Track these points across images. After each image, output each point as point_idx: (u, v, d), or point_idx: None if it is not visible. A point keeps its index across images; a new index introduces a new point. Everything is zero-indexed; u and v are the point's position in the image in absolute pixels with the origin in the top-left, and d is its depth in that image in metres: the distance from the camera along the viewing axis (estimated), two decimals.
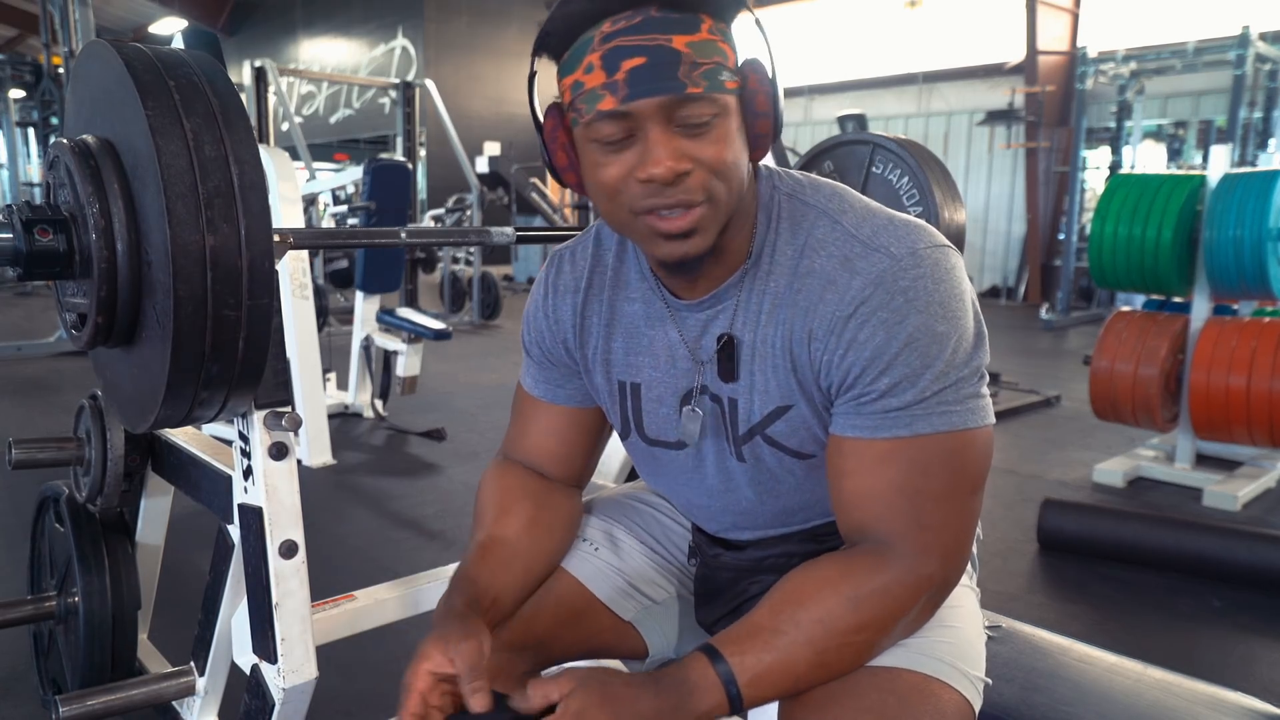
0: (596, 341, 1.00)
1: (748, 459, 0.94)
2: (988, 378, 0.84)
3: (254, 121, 5.00)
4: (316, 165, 6.66)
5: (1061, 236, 9.66)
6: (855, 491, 0.84)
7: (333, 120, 17.05)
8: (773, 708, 0.88)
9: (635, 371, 0.97)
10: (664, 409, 0.96)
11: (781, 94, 0.83)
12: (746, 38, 0.84)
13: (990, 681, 0.94)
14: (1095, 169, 10.43)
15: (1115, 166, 8.77)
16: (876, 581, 0.80)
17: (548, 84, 0.91)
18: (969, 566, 1.03)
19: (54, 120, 8.28)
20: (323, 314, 4.74)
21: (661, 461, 1.01)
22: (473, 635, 0.81)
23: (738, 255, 0.88)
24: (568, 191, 13.34)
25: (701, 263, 0.86)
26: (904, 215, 0.86)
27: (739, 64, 0.81)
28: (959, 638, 0.89)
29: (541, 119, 0.86)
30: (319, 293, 4.72)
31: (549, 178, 14.12)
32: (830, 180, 0.92)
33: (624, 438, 1.03)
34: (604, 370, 1.00)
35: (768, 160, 0.96)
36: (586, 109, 0.78)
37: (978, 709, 0.87)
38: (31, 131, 10.21)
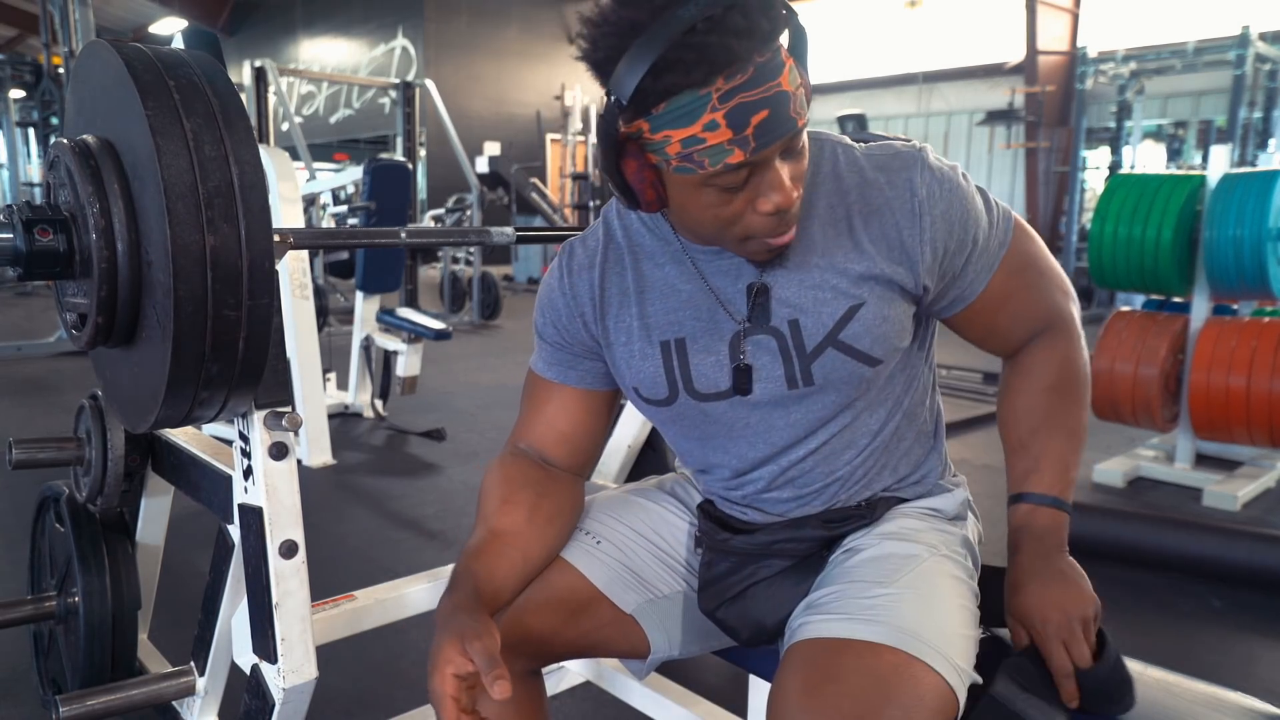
0: (622, 312, 1.02)
1: (817, 378, 0.96)
2: None
3: (254, 121, 5.00)
4: (316, 165, 6.66)
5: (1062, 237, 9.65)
6: (1005, 326, 1.03)
7: (333, 120, 17.05)
8: (762, 701, 0.90)
9: (678, 327, 1.00)
10: (712, 357, 0.99)
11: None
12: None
13: (981, 680, 0.94)
14: (1095, 169, 10.43)
15: (1115, 166, 8.77)
16: (1062, 338, 1.03)
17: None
18: (966, 563, 1.03)
19: (54, 120, 8.28)
20: (323, 314, 4.74)
21: (712, 417, 1.02)
22: (485, 630, 0.84)
23: None
24: (568, 191, 13.35)
25: None
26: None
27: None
28: (944, 624, 0.90)
29: (624, 169, 0.86)
30: (319, 293, 4.72)
31: (548, 178, 14.14)
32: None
33: (670, 403, 1.02)
34: (644, 335, 1.01)
35: None
36: (711, 161, 0.81)
37: (963, 701, 0.87)
38: (31, 131, 10.21)
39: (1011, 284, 1.01)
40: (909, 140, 0.99)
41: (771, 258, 0.93)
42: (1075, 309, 1.06)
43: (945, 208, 0.94)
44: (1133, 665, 1.07)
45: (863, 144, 0.99)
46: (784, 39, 0.83)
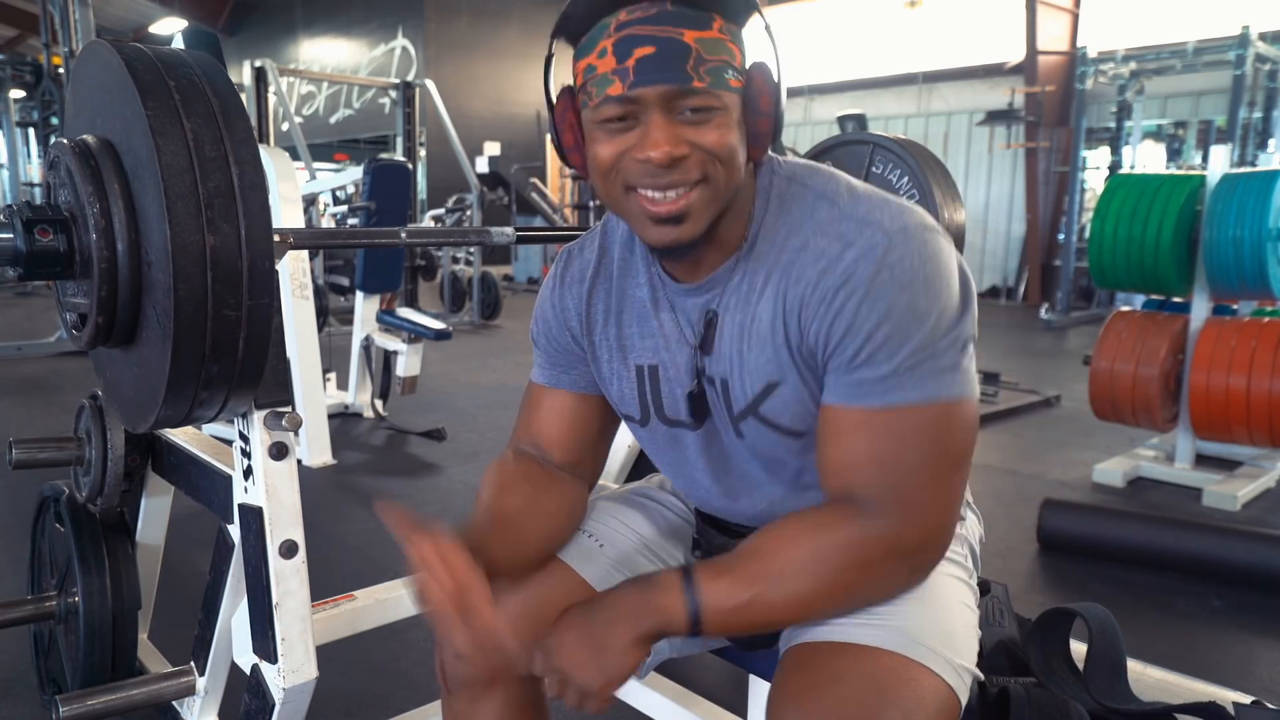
0: (605, 328, 1.02)
1: (747, 437, 0.95)
2: (971, 352, 0.85)
3: (254, 121, 5.00)
4: (316, 165, 6.66)
5: (1061, 237, 9.66)
6: (834, 458, 0.86)
7: (333, 120, 17.04)
8: (762, 701, 0.89)
9: (652, 354, 0.99)
10: (679, 389, 0.98)
11: (784, 97, 0.86)
12: (756, 40, 0.88)
13: (983, 677, 0.94)
14: (1095, 169, 10.43)
15: (1115, 166, 8.77)
16: (842, 532, 0.84)
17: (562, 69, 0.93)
18: (967, 563, 1.03)
19: (54, 120, 8.27)
20: (323, 314, 4.74)
21: (683, 443, 1.02)
22: (453, 542, 0.84)
23: (733, 242, 0.91)
24: (568, 191, 13.36)
25: (693, 249, 0.88)
26: (898, 198, 0.88)
27: (745, 65, 0.84)
28: (945, 625, 0.89)
29: (555, 100, 0.89)
30: (319, 293, 4.72)
31: (548, 178, 14.14)
32: (827, 166, 0.94)
33: (643, 424, 1.03)
34: (620, 355, 1.01)
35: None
36: (596, 92, 0.82)
37: (964, 700, 0.87)
38: (31, 131, 10.21)
39: (865, 436, 0.83)
40: (925, 220, 0.85)
41: (665, 241, 0.86)
42: (917, 557, 0.86)
43: (853, 305, 0.82)
44: (1133, 665, 1.07)
45: (867, 202, 0.86)
46: (741, 27, 0.85)
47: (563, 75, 0.91)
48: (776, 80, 0.85)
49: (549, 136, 0.93)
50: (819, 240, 0.86)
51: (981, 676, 0.94)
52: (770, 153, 0.95)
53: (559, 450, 1.08)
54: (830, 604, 0.85)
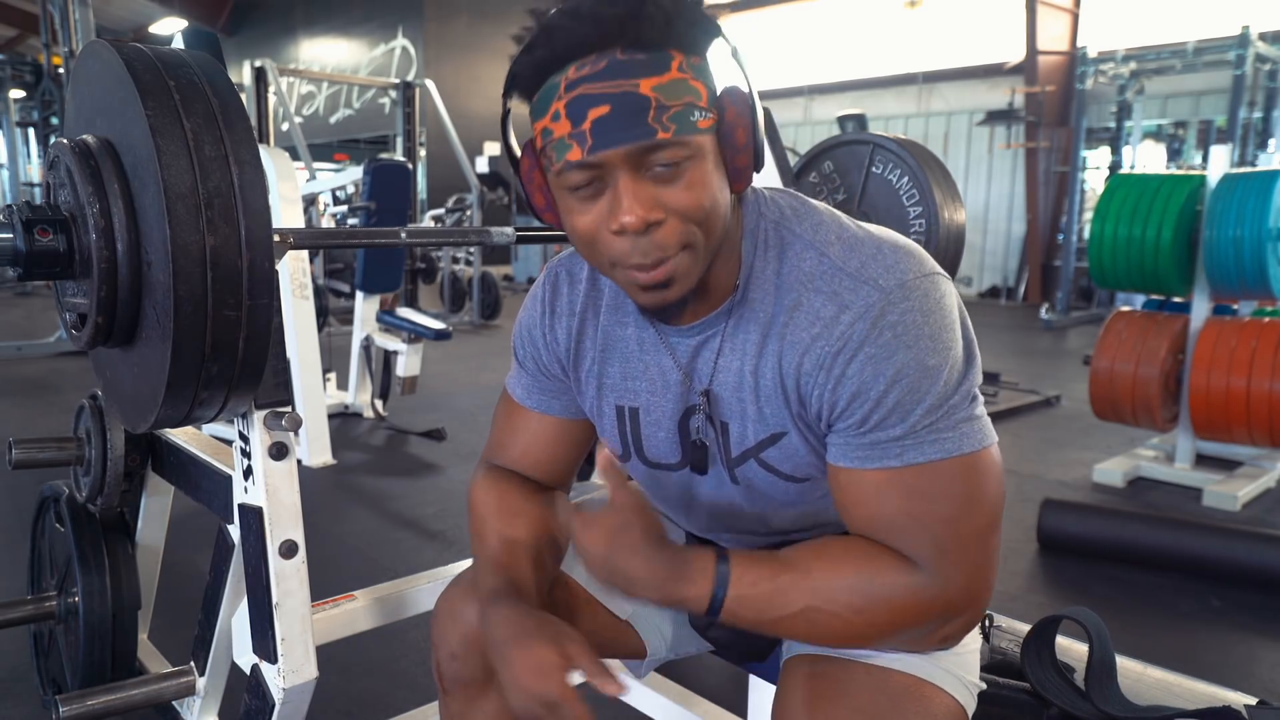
0: (590, 365, 0.98)
1: (740, 481, 0.93)
2: (980, 398, 0.83)
3: (254, 121, 4.99)
4: (316, 165, 6.66)
5: (1061, 237, 9.66)
6: (868, 520, 0.82)
7: (333, 120, 17.03)
8: (767, 704, 0.89)
9: (633, 396, 0.95)
10: (662, 432, 0.95)
11: (761, 122, 0.79)
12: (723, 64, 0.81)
13: (985, 686, 0.95)
14: (1095, 169, 10.43)
15: (1115, 166, 8.78)
16: (897, 579, 0.80)
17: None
18: None
19: (54, 120, 8.28)
20: (323, 314, 4.74)
21: (662, 482, 1.00)
22: (564, 630, 0.82)
23: (723, 286, 0.86)
24: None
25: (684, 304, 0.84)
26: (891, 238, 0.84)
27: (715, 97, 0.78)
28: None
29: (519, 159, 0.83)
30: (319, 293, 4.72)
31: None
32: (815, 204, 0.88)
33: (624, 460, 1.01)
34: (602, 394, 0.98)
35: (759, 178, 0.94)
36: (556, 157, 0.76)
37: (971, 712, 0.87)
38: (31, 131, 10.22)
39: (894, 496, 0.80)
40: (922, 267, 0.81)
41: (654, 304, 0.82)
42: (962, 619, 0.82)
43: (855, 370, 0.79)
44: (1133, 665, 1.07)
45: (860, 252, 0.82)
46: (705, 56, 0.77)
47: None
48: (752, 106, 0.78)
49: (520, 194, 0.88)
50: (813, 299, 0.81)
51: (984, 686, 0.94)
52: (754, 188, 0.90)
53: (541, 473, 1.05)
54: (859, 640, 0.82)
